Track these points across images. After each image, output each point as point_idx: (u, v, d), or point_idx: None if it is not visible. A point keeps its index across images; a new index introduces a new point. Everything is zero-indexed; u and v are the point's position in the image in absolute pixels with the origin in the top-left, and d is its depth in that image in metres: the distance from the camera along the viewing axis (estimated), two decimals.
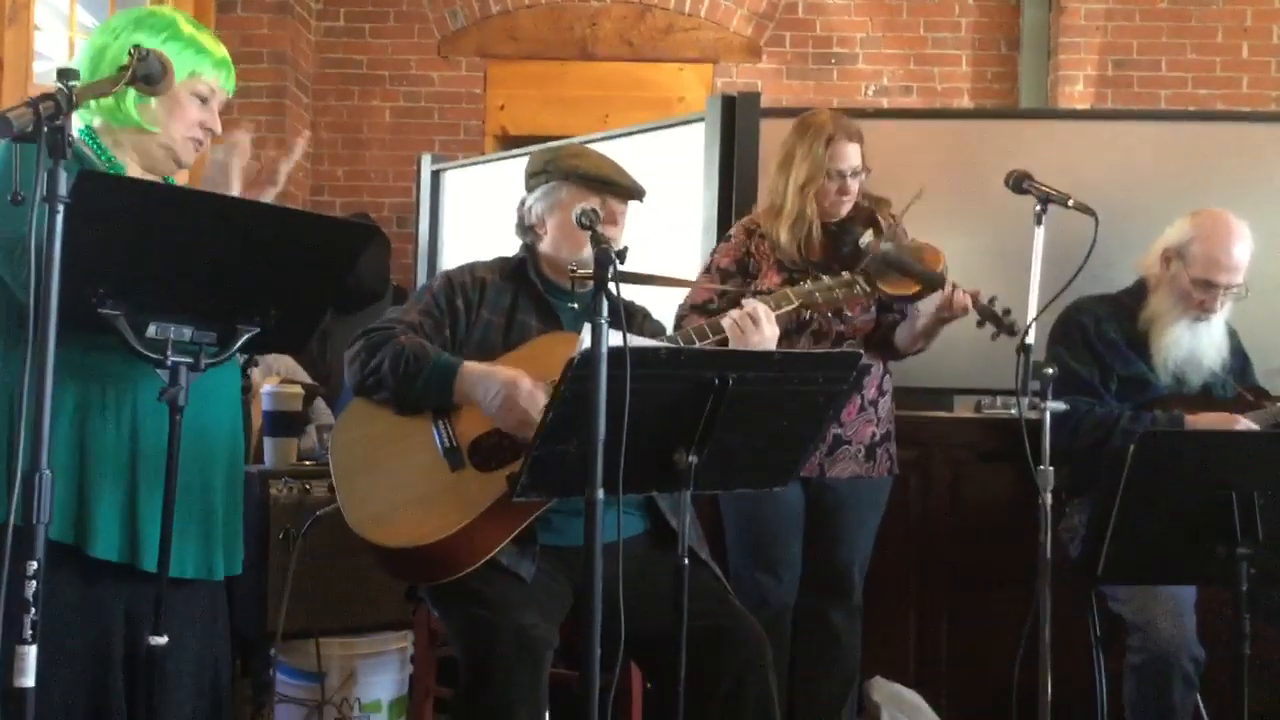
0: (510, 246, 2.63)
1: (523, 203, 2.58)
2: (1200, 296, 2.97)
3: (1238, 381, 3.09)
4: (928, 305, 2.93)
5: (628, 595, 2.22)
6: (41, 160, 1.48)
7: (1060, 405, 2.60)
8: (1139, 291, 3.13)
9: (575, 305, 2.53)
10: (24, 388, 1.44)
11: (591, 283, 2.20)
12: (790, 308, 2.50)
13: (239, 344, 1.86)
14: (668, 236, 3.70)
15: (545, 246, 2.54)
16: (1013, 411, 2.58)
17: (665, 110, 5.58)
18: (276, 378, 3.27)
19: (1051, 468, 2.54)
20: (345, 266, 1.90)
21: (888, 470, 3.09)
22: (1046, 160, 3.59)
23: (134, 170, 2.11)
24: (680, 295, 3.03)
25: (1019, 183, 2.73)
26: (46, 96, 1.48)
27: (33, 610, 1.41)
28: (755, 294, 2.53)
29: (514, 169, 2.64)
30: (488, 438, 2.31)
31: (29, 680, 1.44)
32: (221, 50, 2.16)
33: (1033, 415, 2.55)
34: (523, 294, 2.53)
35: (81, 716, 1.97)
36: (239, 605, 2.81)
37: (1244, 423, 2.92)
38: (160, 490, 1.89)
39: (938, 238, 3.53)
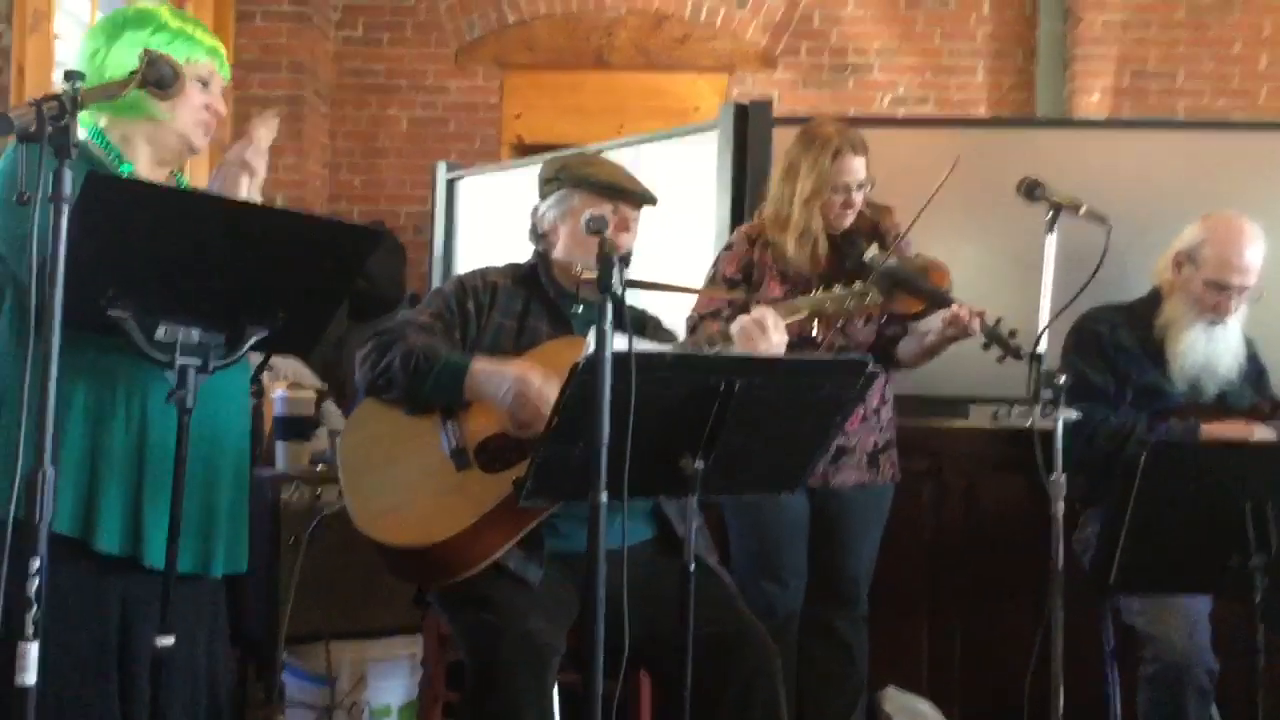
0: (524, 254, 2.64)
1: (535, 210, 2.59)
2: (1214, 299, 2.95)
3: (1254, 390, 3.07)
4: (933, 322, 2.92)
5: (635, 602, 2.21)
6: (45, 160, 1.49)
7: (1073, 414, 2.59)
8: (1153, 300, 3.11)
9: (582, 310, 2.53)
10: (25, 386, 1.44)
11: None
12: (800, 316, 2.49)
13: (247, 346, 1.88)
14: (680, 244, 3.70)
15: (557, 253, 2.54)
16: (1028, 421, 2.57)
17: (680, 120, 5.57)
18: (284, 381, 3.29)
19: (1064, 477, 2.53)
20: (353, 269, 1.91)
21: (890, 478, 3.08)
22: (1062, 169, 3.57)
23: (146, 166, 2.12)
24: (691, 301, 3.03)
25: (1031, 190, 2.72)
26: (51, 96, 1.50)
27: (34, 608, 1.41)
28: (766, 302, 2.52)
29: (528, 177, 2.65)
30: (495, 440, 2.31)
31: (30, 678, 1.44)
32: (211, 38, 2.18)
33: (1046, 425, 2.54)
34: (535, 299, 2.54)
35: (80, 709, 1.98)
36: (250, 608, 2.83)
37: (1260, 432, 2.90)
38: (166, 488, 1.90)
39: (953, 246, 3.53)
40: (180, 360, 1.81)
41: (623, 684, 2.45)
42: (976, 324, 2.80)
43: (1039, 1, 5.92)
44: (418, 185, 5.86)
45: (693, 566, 2.03)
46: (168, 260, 1.77)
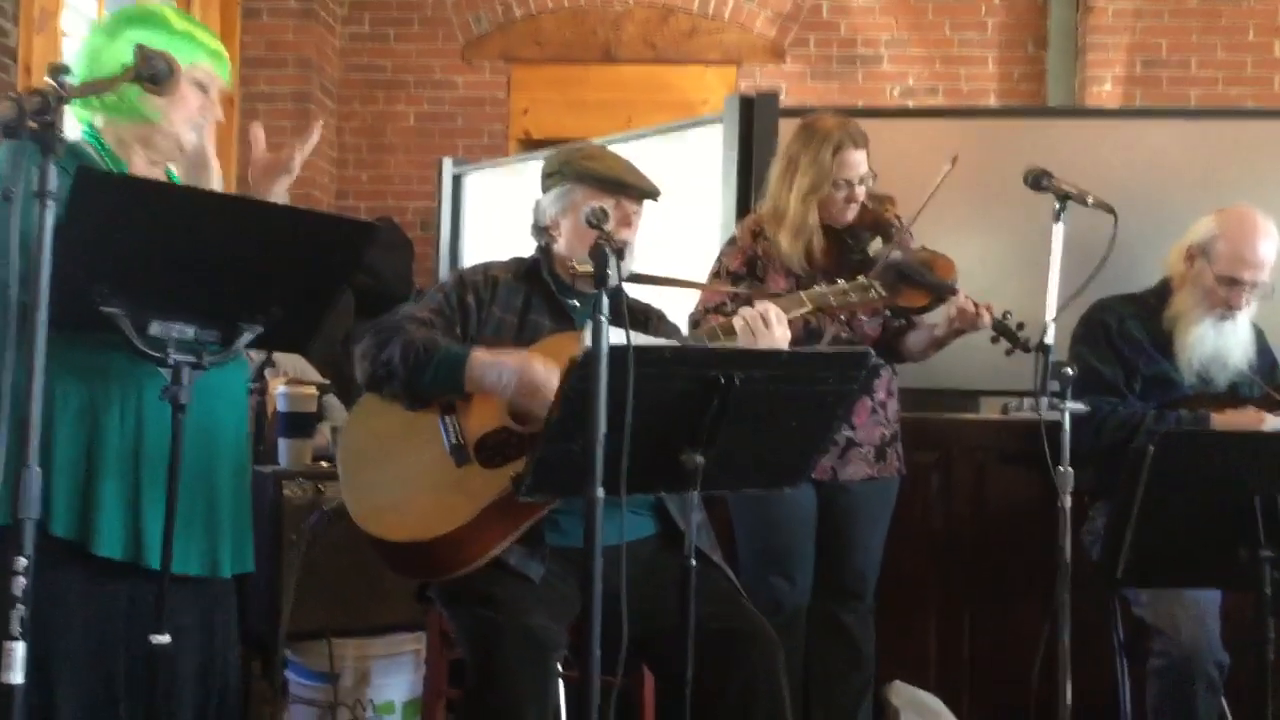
0: (530, 249, 2.62)
1: (538, 204, 2.57)
2: (1225, 294, 2.92)
3: (1266, 381, 3.03)
4: (934, 316, 2.90)
5: (637, 597, 2.20)
6: (28, 155, 1.48)
7: (1080, 406, 2.56)
8: (1163, 290, 3.08)
9: (583, 304, 2.51)
10: (5, 385, 1.44)
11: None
12: (803, 310, 2.47)
13: (242, 342, 1.86)
14: (686, 237, 3.68)
15: (559, 247, 2.52)
16: (1042, 414, 2.55)
17: (689, 113, 5.54)
18: (284, 377, 3.28)
19: (1071, 469, 2.51)
20: (349, 264, 1.90)
21: (896, 470, 3.07)
22: (1073, 159, 3.56)
23: (139, 166, 2.12)
24: (695, 294, 3.01)
25: (1037, 180, 2.70)
26: (35, 91, 1.48)
27: (19, 606, 1.40)
28: (770, 296, 2.50)
29: (535, 172, 2.63)
30: (494, 435, 2.30)
31: (18, 677, 1.44)
32: (215, 42, 2.17)
33: (1053, 416, 2.52)
34: (536, 294, 2.52)
35: (84, 714, 1.98)
36: (253, 606, 2.83)
37: (1271, 422, 2.87)
38: (164, 488, 1.89)
39: (963, 237, 3.51)
40: (174, 357, 1.80)
41: (626, 680, 2.46)
42: (986, 317, 2.78)
43: None
44: (425, 181, 5.84)
45: (693, 562, 2.01)
46: (160, 256, 1.76)
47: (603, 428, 1.74)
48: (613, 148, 2.75)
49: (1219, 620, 2.71)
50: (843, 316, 2.74)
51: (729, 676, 2.22)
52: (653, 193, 2.51)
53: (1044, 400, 2.55)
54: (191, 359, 1.82)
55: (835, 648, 3.07)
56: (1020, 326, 2.77)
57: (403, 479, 2.29)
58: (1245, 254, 2.91)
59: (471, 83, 6.10)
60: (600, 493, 1.75)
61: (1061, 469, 2.50)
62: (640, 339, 2.23)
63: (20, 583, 1.41)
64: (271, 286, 1.85)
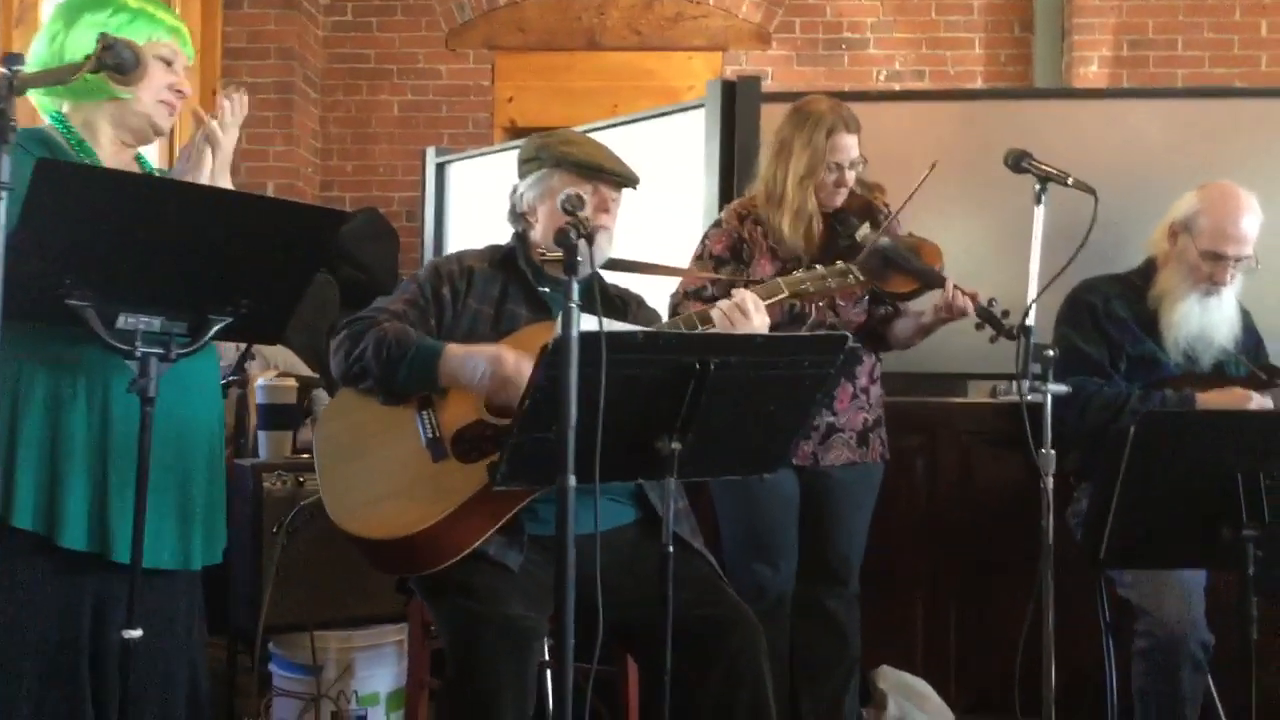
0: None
1: (515, 189, 2.54)
2: (1209, 269, 2.91)
3: (1251, 360, 3.02)
4: (922, 304, 2.89)
5: (618, 585, 2.20)
6: None
7: (1062, 388, 2.55)
8: (1148, 270, 3.07)
9: (549, 290, 2.49)
10: None
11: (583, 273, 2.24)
12: (781, 297, 2.45)
13: (211, 334, 1.85)
14: (669, 223, 3.67)
15: (536, 234, 2.50)
16: (1032, 397, 2.54)
17: (674, 99, 5.51)
18: (273, 371, 3.26)
19: (1053, 451, 2.50)
20: (319, 253, 1.88)
21: (879, 456, 3.06)
22: (1060, 141, 3.55)
23: (109, 150, 2.10)
24: (678, 279, 2.99)
25: (1018, 162, 2.68)
26: None
27: None
28: (747, 283, 2.49)
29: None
30: (471, 428, 2.27)
31: None
32: (172, 18, 2.14)
33: (1035, 399, 2.51)
34: (513, 283, 2.49)
35: (50, 708, 1.96)
36: (236, 598, 2.82)
37: (1257, 400, 2.86)
38: (132, 481, 1.88)
39: (951, 219, 3.50)
40: (141, 349, 1.78)
41: (610, 667, 2.45)
42: (970, 306, 2.77)
43: None
44: (410, 171, 5.82)
45: (670, 548, 2.00)
46: (125, 247, 1.74)
47: (574, 415, 1.72)
48: (596, 135, 2.73)
49: (1204, 600, 2.70)
50: (821, 303, 2.72)
51: (711, 663, 2.21)
52: (631, 180, 2.49)
53: (1025, 382, 2.54)
54: (159, 351, 1.80)
55: (821, 633, 3.06)
56: (1005, 314, 2.76)
57: (379, 475, 2.27)
58: (1228, 228, 2.89)
59: (455, 71, 6.07)
60: (572, 481, 1.73)
61: (1043, 451, 2.49)
62: (614, 325, 2.22)
63: None
64: (240, 277, 1.83)
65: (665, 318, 2.87)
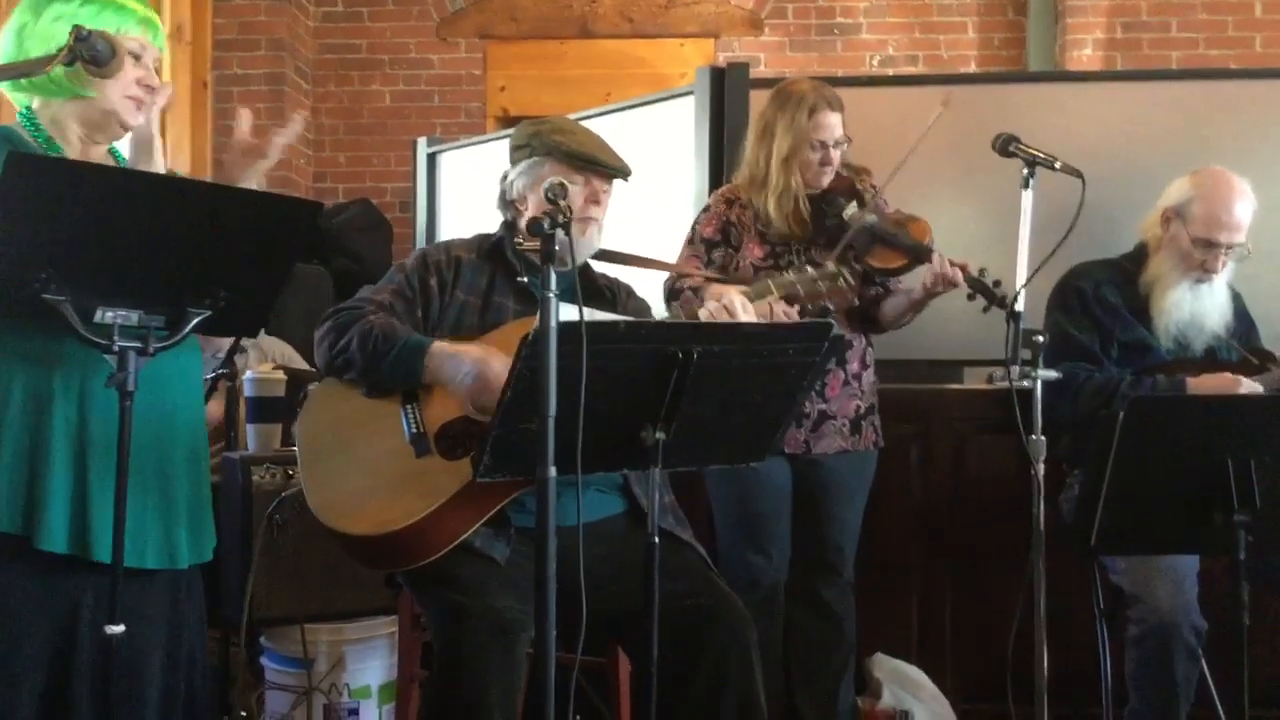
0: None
1: (505, 176, 2.52)
2: (1201, 256, 2.89)
3: (1242, 345, 3.01)
4: (913, 279, 2.87)
5: (606, 576, 2.19)
6: None
7: (1052, 373, 2.54)
8: (1140, 255, 3.05)
9: (540, 283, 2.47)
10: None
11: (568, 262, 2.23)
12: (771, 298, 2.45)
13: (189, 328, 1.83)
14: (659, 210, 3.65)
15: (524, 223, 2.47)
16: (1024, 383, 2.53)
17: (667, 87, 5.49)
18: (270, 364, 3.24)
19: (1044, 438, 2.48)
20: (297, 244, 1.86)
21: (873, 443, 3.04)
22: (1054, 124, 3.54)
23: (76, 147, 2.07)
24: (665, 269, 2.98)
25: (1005, 145, 2.67)
26: None
27: None
28: (738, 282, 2.48)
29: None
30: (455, 424, 2.25)
31: None
32: (143, 9, 2.09)
33: (1025, 385, 2.50)
34: (500, 274, 2.46)
35: (42, 710, 1.95)
36: (225, 592, 2.81)
37: (1247, 385, 2.84)
38: (112, 479, 1.85)
39: (944, 204, 3.48)
40: (119, 343, 1.76)
41: (601, 659, 2.45)
42: (959, 276, 2.76)
43: None
44: (403, 161, 5.80)
45: (656, 539, 1.99)
46: (100, 240, 1.72)
47: (554, 405, 1.71)
48: (586, 123, 2.71)
49: (1197, 586, 2.69)
50: (809, 306, 2.70)
51: (700, 654, 2.20)
52: (623, 171, 2.46)
53: (1015, 369, 2.53)
54: (137, 345, 1.78)
55: (815, 623, 3.06)
56: (997, 284, 2.74)
57: (361, 470, 2.24)
58: (1221, 215, 2.88)
59: (447, 61, 6.05)
60: (552, 472, 1.71)
61: (1034, 437, 2.47)
62: (596, 315, 2.20)
63: None
64: (217, 269, 1.81)
65: (659, 305, 2.87)
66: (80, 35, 1.73)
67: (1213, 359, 2.96)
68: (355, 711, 2.87)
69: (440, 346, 2.27)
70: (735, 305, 2.31)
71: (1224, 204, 2.88)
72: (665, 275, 2.97)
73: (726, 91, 3.60)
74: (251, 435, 2.95)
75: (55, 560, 1.95)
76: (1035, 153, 2.62)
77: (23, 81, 1.97)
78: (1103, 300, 2.99)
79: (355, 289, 4.67)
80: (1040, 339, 2.51)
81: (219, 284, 1.81)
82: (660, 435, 1.94)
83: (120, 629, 1.82)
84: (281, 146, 2.09)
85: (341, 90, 6.04)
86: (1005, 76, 5.06)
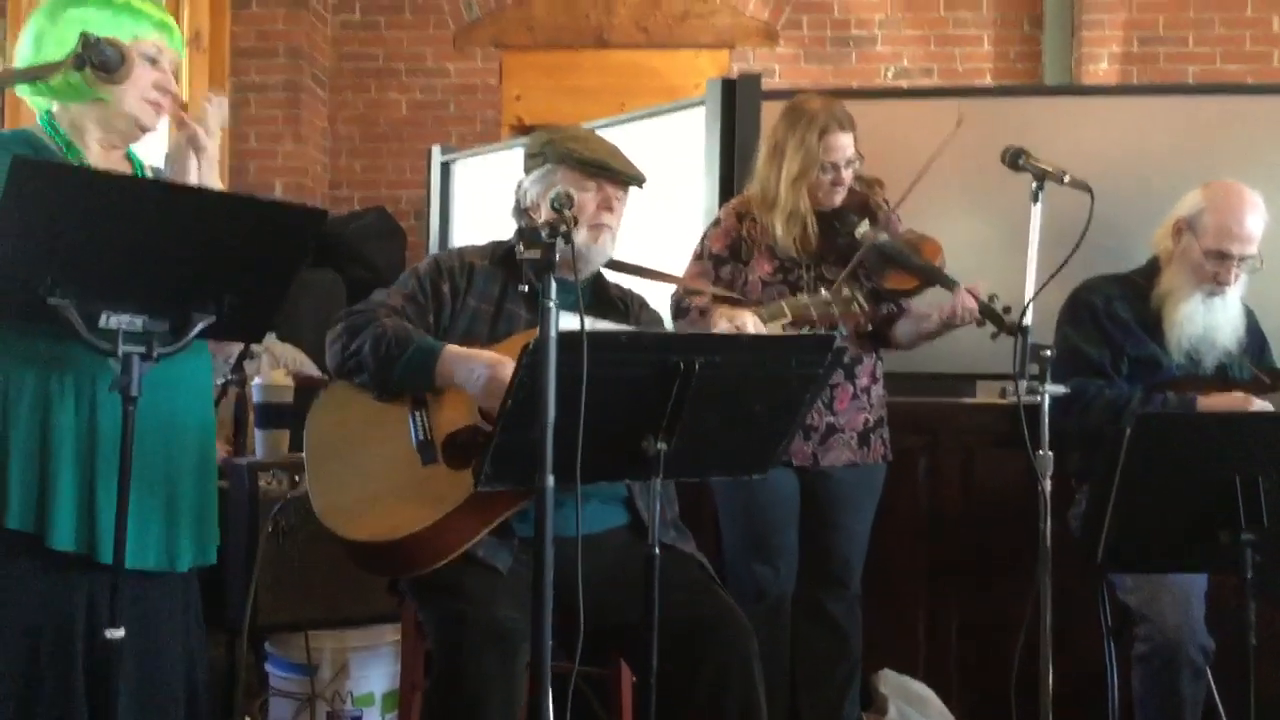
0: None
1: (519, 184, 2.52)
2: (1213, 268, 2.87)
3: (1255, 362, 2.99)
4: (923, 302, 2.86)
5: (608, 588, 2.19)
6: None
7: (1060, 388, 2.53)
8: (1151, 270, 3.04)
9: (540, 293, 2.47)
10: None
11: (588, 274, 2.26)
12: (783, 321, 2.46)
13: (194, 333, 1.84)
14: (670, 221, 3.65)
15: None
16: (1033, 397, 2.52)
17: (682, 97, 5.51)
18: (283, 370, 3.25)
19: (1051, 453, 2.47)
20: (301, 251, 1.86)
21: (881, 456, 3.03)
22: (1068, 138, 3.53)
23: (95, 150, 2.08)
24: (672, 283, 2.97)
25: (1015, 159, 2.67)
26: None
27: None
28: (752, 305, 2.49)
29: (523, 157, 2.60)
30: (463, 433, 2.25)
31: None
32: (159, 13, 2.11)
33: (1032, 400, 2.49)
34: (513, 282, 2.46)
35: (44, 707, 1.96)
36: (231, 598, 2.82)
37: (1258, 404, 2.82)
38: (119, 480, 1.87)
39: (959, 217, 3.47)
40: (124, 348, 1.78)
41: (604, 669, 2.44)
42: (973, 303, 2.75)
43: None
44: (418, 170, 5.81)
45: (656, 550, 1.98)
46: (105, 246, 1.73)
47: (553, 415, 1.71)
48: (597, 132, 2.71)
49: (1204, 605, 2.67)
50: (822, 329, 2.71)
51: (701, 665, 2.19)
52: (637, 179, 2.46)
53: (1023, 383, 2.52)
54: (141, 349, 1.80)
55: (821, 636, 3.04)
56: (1007, 310, 2.73)
57: (367, 475, 2.25)
58: (1232, 227, 2.86)
59: (463, 70, 6.08)
60: (550, 481, 1.71)
61: (1040, 453, 2.46)
62: (598, 325, 2.21)
63: None
64: (222, 275, 1.82)
65: (667, 317, 2.87)
66: (88, 41, 1.75)
67: (1224, 376, 2.94)
68: (359, 719, 2.87)
69: (453, 350, 2.27)
70: (748, 325, 2.32)
71: (1235, 215, 2.86)
72: (672, 287, 2.97)
73: (738, 103, 3.60)
74: (259, 441, 2.96)
75: (60, 559, 1.98)
76: (1044, 166, 2.62)
77: (41, 86, 1.99)
78: (1114, 315, 2.97)
79: (368, 296, 4.71)
80: (1048, 353, 2.50)
81: (223, 289, 1.82)
82: (662, 445, 1.93)
83: (120, 633, 1.83)
84: (214, 132, 2.07)
85: (358, 98, 6.08)
86: (1019, 90, 5.06)
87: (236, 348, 3.01)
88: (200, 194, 1.89)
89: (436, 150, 4.79)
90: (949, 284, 2.79)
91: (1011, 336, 2.64)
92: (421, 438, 2.26)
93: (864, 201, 2.97)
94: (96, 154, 2.08)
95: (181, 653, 2.15)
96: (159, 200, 1.77)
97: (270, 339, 3.35)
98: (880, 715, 3.21)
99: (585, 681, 2.80)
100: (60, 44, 1.96)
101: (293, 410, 2.95)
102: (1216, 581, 2.75)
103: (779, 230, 2.89)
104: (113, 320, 1.77)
